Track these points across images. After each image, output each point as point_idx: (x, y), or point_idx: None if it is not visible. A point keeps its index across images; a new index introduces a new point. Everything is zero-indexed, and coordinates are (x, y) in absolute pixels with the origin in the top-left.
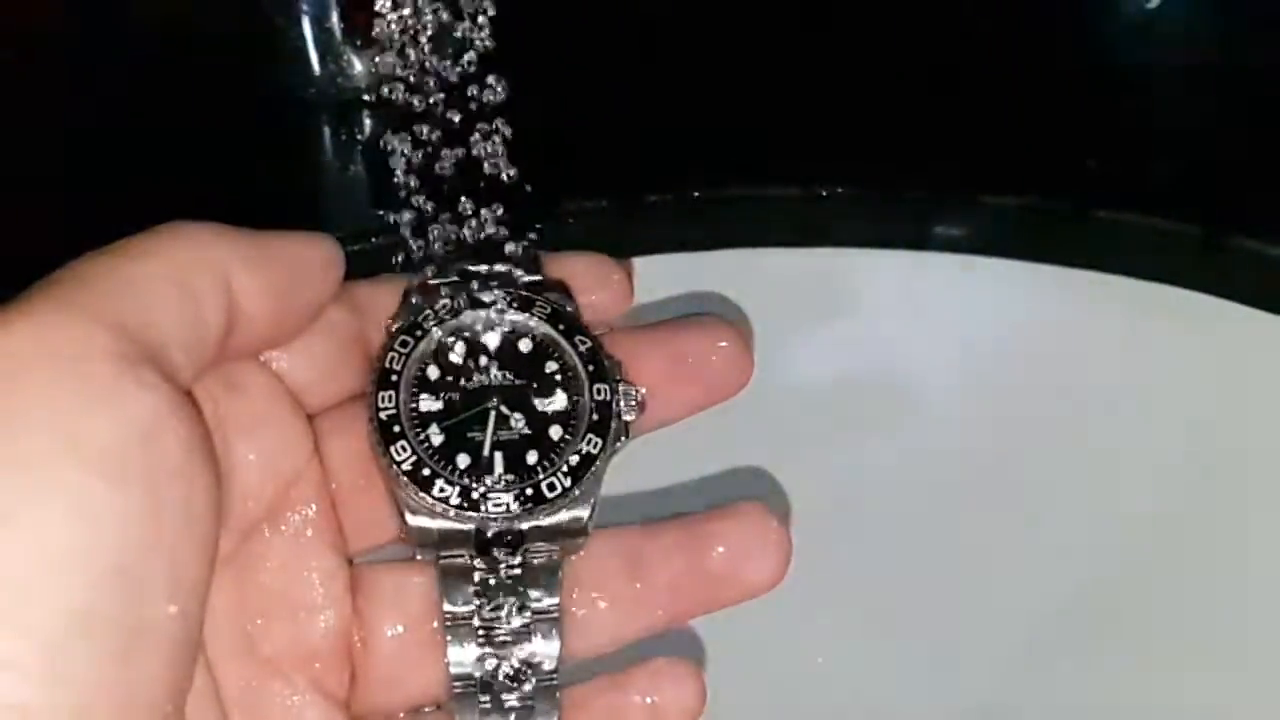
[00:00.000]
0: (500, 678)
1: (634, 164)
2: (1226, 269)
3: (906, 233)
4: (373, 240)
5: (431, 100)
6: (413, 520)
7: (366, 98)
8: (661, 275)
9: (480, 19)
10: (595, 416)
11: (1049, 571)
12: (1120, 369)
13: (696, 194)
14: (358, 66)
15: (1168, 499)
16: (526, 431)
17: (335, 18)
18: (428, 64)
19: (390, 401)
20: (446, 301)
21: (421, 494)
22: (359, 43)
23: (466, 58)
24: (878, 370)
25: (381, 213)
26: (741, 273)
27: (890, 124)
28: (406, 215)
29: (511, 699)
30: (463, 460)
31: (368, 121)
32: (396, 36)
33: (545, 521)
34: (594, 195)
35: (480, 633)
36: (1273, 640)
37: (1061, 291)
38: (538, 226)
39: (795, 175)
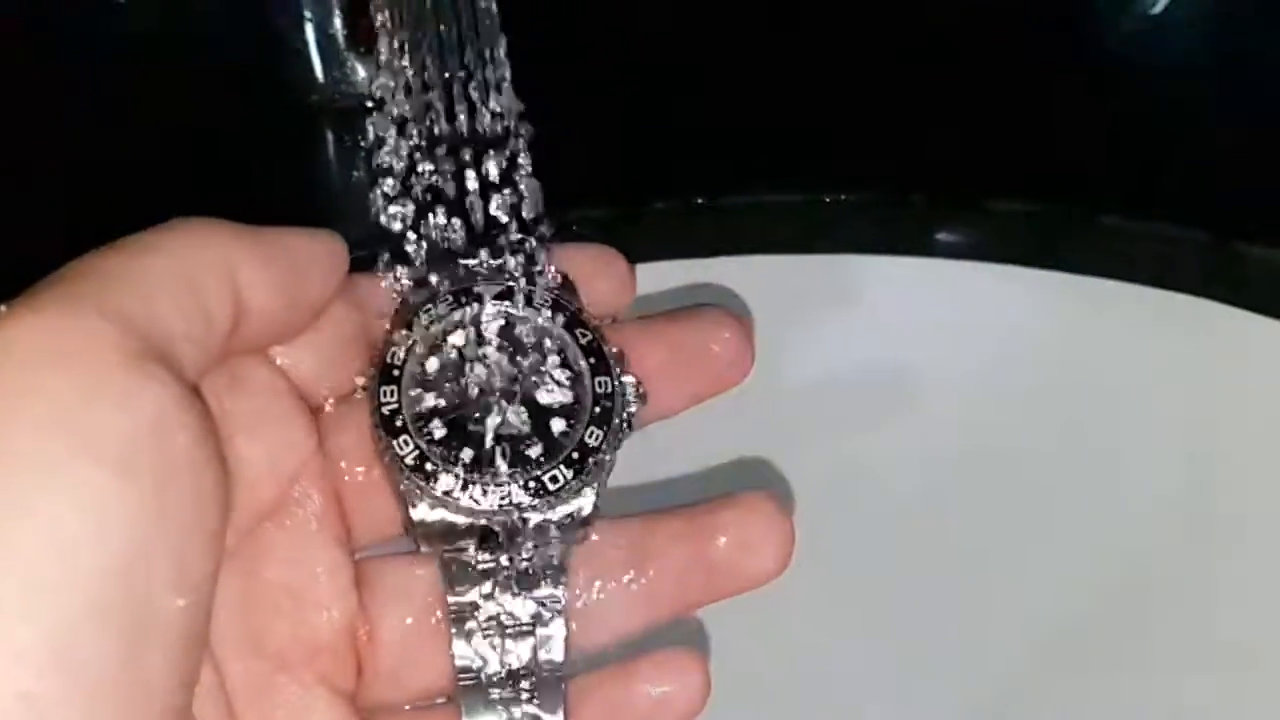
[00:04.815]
0: (506, 670)
1: (638, 171)
2: (1232, 275)
3: (911, 238)
4: (376, 245)
5: (432, 103)
6: (416, 514)
7: (369, 103)
8: (665, 281)
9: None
10: (597, 409)
11: (1048, 573)
12: (1125, 375)
13: (700, 200)
14: (361, 72)
15: (1171, 502)
16: (528, 424)
17: (338, 23)
18: (429, 69)
19: (392, 396)
20: (449, 295)
21: (425, 488)
22: (362, 48)
23: (467, 63)
24: (882, 376)
25: (383, 203)
26: (746, 279)
27: (895, 129)
28: (408, 209)
29: (517, 691)
30: (465, 454)
31: (371, 127)
32: (396, 44)
33: (548, 514)
34: (598, 202)
35: (485, 625)
36: (1273, 642)
37: (1066, 297)
38: (540, 222)
39: (799, 181)
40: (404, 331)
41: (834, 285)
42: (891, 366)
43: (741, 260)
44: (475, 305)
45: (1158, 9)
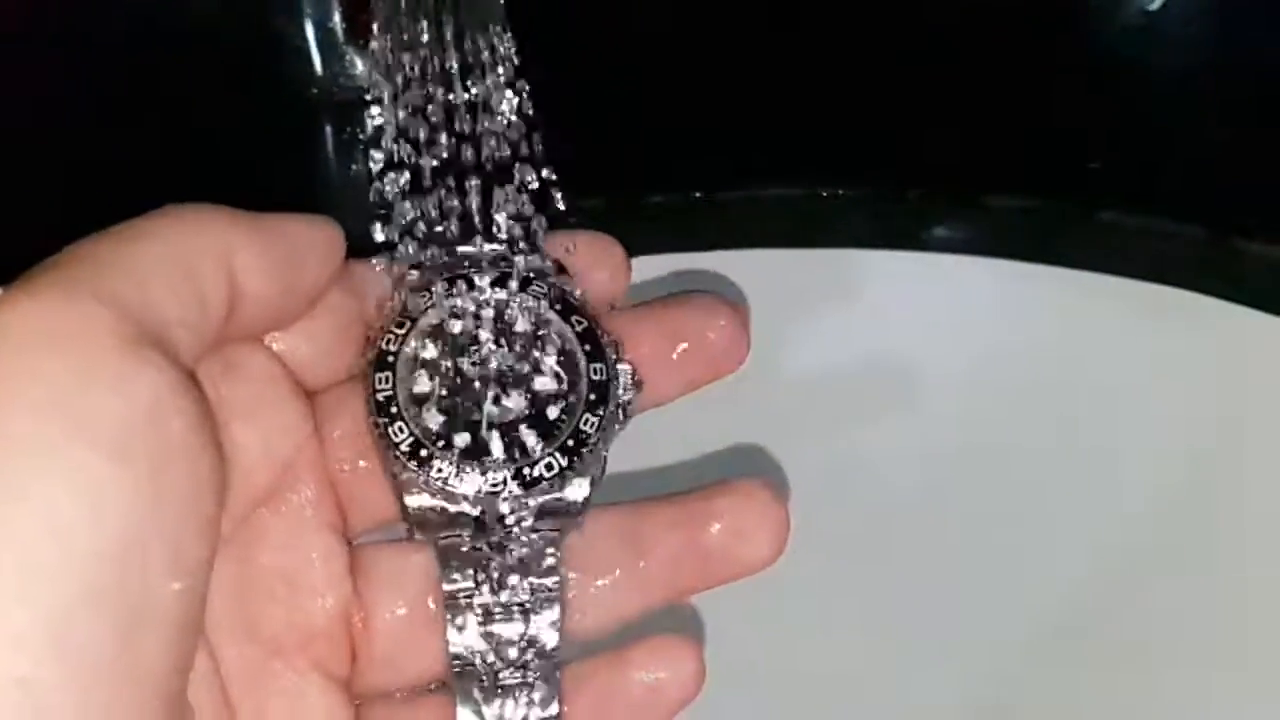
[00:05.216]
0: (500, 657)
1: (635, 164)
2: (1230, 270)
3: (908, 233)
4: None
5: (430, 91)
6: (411, 501)
7: (368, 97)
8: (661, 275)
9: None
10: (592, 396)
11: (1043, 565)
12: (1122, 370)
13: (698, 194)
14: (359, 66)
15: (1168, 497)
16: (523, 411)
17: (337, 18)
18: (427, 58)
19: (387, 383)
20: (444, 282)
21: (419, 474)
22: (361, 42)
23: (466, 53)
24: (879, 369)
25: (380, 191)
26: (743, 273)
27: (892, 124)
28: (405, 198)
29: (511, 678)
30: (460, 440)
31: (370, 121)
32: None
33: (543, 500)
34: (595, 195)
35: (479, 612)
36: (1272, 640)
37: (1064, 292)
38: (536, 212)
39: (797, 175)
40: (399, 318)
41: (831, 280)
42: (888, 360)
43: (739, 254)
44: (471, 292)
45: (1155, 5)
